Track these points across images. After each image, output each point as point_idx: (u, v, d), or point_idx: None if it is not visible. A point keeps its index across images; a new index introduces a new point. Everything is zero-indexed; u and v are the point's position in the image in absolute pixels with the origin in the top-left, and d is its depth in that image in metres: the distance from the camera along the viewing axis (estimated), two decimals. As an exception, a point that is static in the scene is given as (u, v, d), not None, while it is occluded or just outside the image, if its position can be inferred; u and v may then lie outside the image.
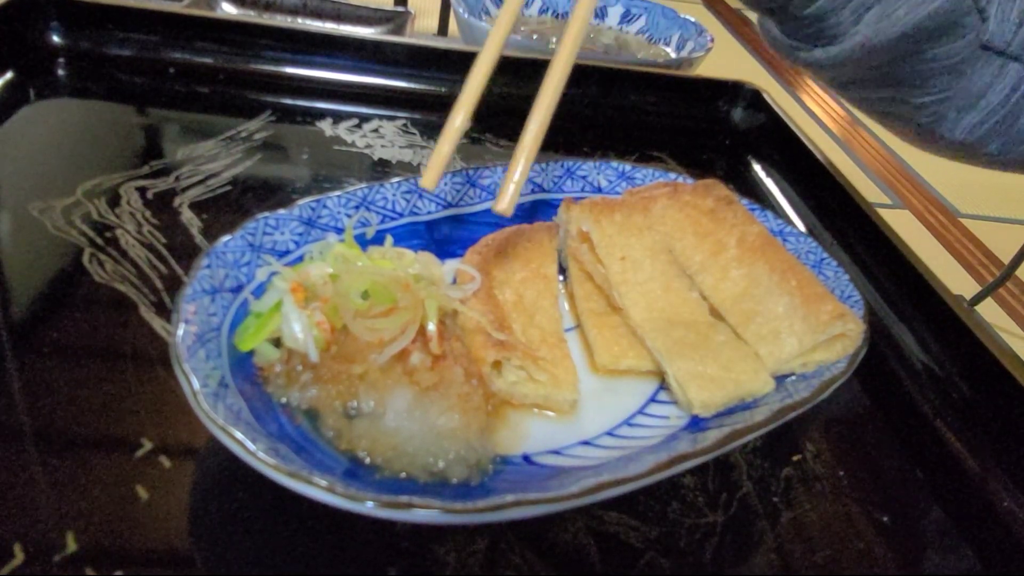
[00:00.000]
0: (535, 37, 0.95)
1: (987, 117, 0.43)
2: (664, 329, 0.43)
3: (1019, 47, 0.39)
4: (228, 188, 0.56)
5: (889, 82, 0.43)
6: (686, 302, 0.46)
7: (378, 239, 0.45)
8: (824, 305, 0.43)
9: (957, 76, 0.41)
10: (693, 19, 0.97)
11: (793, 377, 0.42)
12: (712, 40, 0.92)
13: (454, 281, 0.45)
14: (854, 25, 0.40)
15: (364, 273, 0.38)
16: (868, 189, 1.05)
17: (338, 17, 1.01)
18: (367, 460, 0.34)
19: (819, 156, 0.68)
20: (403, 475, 0.33)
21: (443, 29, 1.26)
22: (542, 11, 1.01)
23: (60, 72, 0.68)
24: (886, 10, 0.38)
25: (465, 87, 0.42)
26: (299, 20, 0.99)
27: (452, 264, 0.45)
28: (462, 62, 0.74)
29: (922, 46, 0.39)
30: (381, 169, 0.62)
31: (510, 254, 0.47)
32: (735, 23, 1.90)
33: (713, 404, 0.40)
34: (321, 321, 0.37)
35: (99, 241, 0.48)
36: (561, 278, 0.50)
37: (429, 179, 0.42)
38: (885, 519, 0.40)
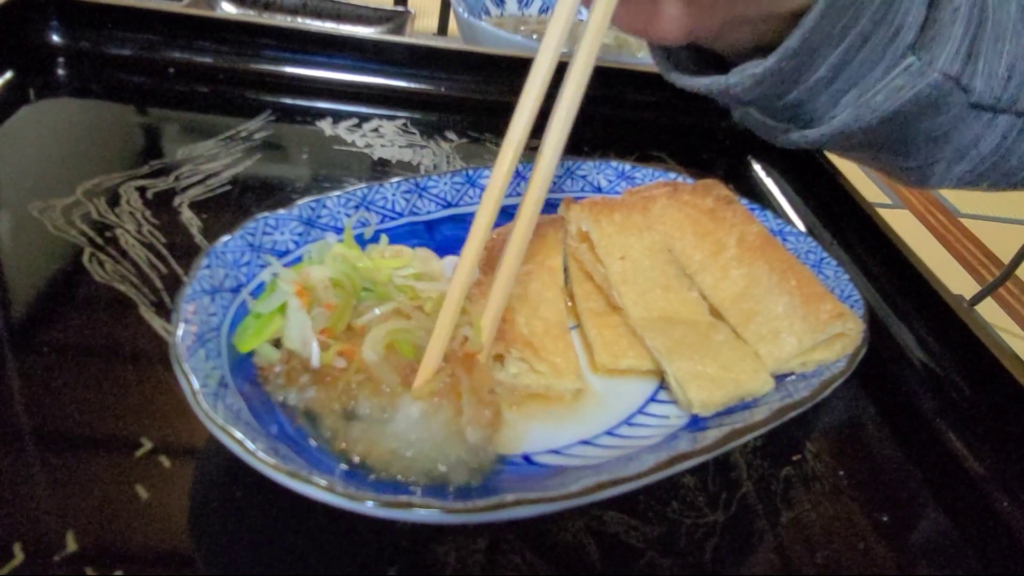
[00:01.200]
0: (535, 37, 0.95)
1: (977, 165, 0.42)
2: (664, 329, 0.43)
3: (1009, 101, 0.39)
4: (228, 188, 0.56)
5: (874, 151, 0.43)
6: (686, 302, 0.46)
7: (376, 238, 0.45)
8: (824, 304, 0.43)
9: (944, 143, 0.40)
10: (693, 19, 0.96)
11: (793, 376, 0.42)
12: (712, 40, 0.92)
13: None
14: (832, 109, 0.39)
15: (385, 326, 0.37)
16: (868, 189, 1.05)
17: (338, 17, 1.01)
18: (364, 463, 0.34)
19: (818, 155, 0.68)
20: (399, 478, 0.33)
21: (443, 29, 1.26)
22: (542, 11, 1.01)
23: (60, 72, 0.67)
24: (863, 95, 0.37)
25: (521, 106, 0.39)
26: (299, 20, 0.99)
27: (451, 260, 0.44)
28: (462, 62, 0.74)
29: (904, 126, 0.39)
30: (381, 169, 0.62)
31: None
32: (735, 23, 1.89)
33: (713, 404, 0.40)
34: (325, 342, 0.37)
35: (99, 241, 0.48)
36: (561, 278, 0.50)
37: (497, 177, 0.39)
38: (885, 519, 0.40)
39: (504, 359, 0.40)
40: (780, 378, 0.42)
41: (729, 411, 0.40)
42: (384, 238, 0.44)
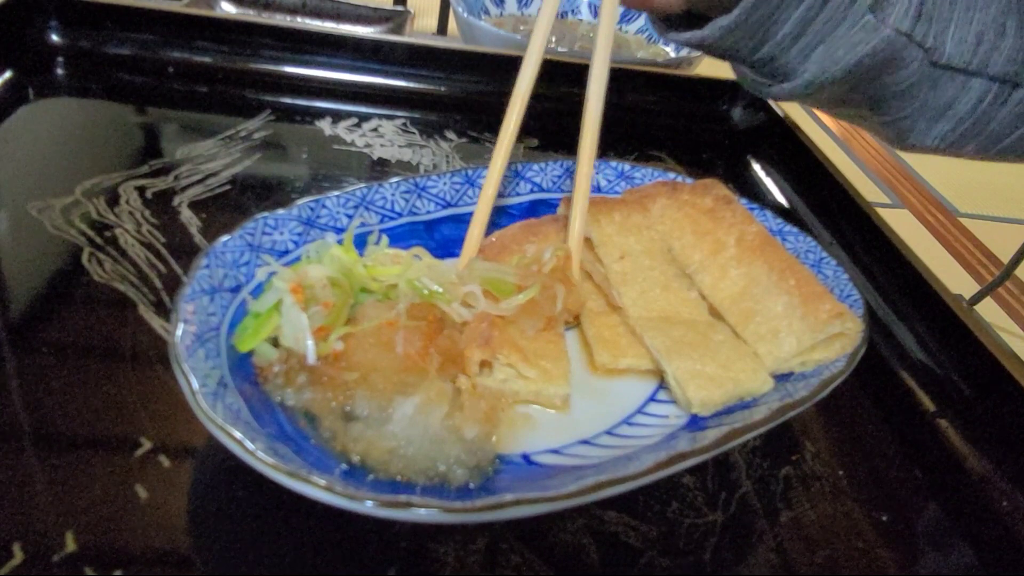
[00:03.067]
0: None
1: (957, 125, 0.45)
2: (663, 328, 0.43)
3: (979, 65, 0.43)
4: (227, 187, 0.56)
5: (850, 105, 0.47)
6: (685, 301, 0.46)
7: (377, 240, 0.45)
8: (823, 304, 0.43)
9: (911, 98, 0.44)
10: (693, 18, 0.97)
11: (792, 376, 0.42)
12: (712, 39, 0.92)
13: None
14: (803, 63, 0.43)
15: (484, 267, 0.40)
16: (867, 188, 1.05)
17: (337, 16, 1.01)
18: (363, 463, 0.34)
19: (818, 155, 0.68)
20: (398, 477, 0.33)
21: (442, 28, 1.26)
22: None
23: (59, 71, 0.67)
24: (828, 51, 0.42)
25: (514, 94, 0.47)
26: (298, 19, 0.99)
27: (452, 262, 0.45)
28: (461, 62, 0.74)
29: (868, 78, 0.43)
30: (380, 168, 0.62)
31: (515, 251, 0.47)
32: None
33: (712, 403, 0.40)
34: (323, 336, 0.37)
35: (98, 240, 0.48)
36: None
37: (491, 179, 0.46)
38: (885, 519, 0.40)
39: (491, 365, 0.40)
40: (780, 378, 0.42)
41: (728, 411, 0.40)
42: (385, 239, 0.44)
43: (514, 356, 0.39)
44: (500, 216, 0.52)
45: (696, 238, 0.49)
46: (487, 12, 0.98)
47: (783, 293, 0.44)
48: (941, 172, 1.14)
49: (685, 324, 0.44)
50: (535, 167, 0.54)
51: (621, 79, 0.76)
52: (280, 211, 0.43)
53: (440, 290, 0.40)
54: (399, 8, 1.04)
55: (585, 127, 0.47)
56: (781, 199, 0.70)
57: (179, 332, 0.33)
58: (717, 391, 0.40)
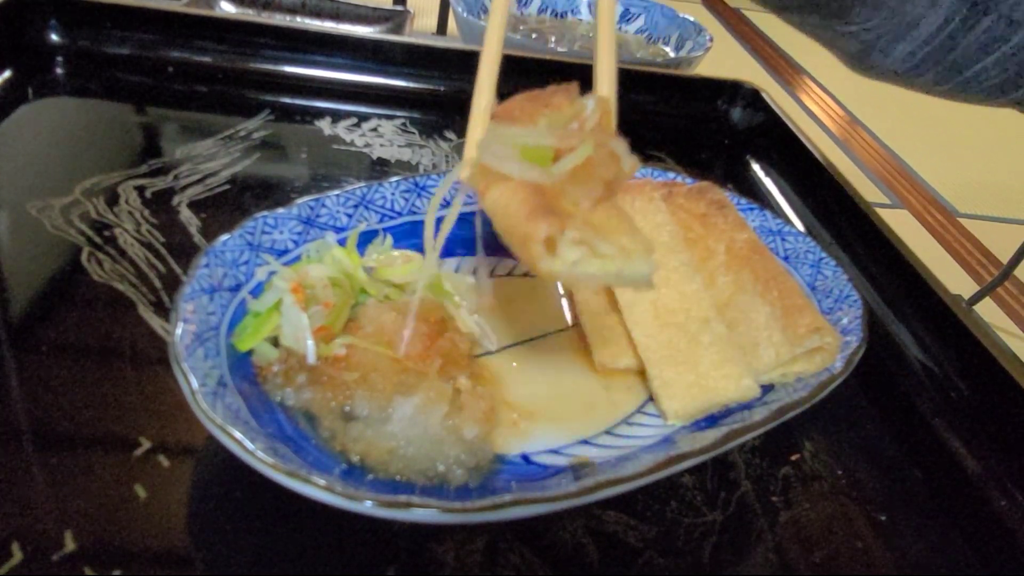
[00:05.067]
0: (534, 36, 0.95)
1: (920, 47, 0.43)
2: (653, 333, 0.43)
3: None
4: (227, 187, 0.56)
5: (814, 10, 0.44)
6: (683, 296, 0.45)
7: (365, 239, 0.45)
8: (802, 318, 0.42)
9: (878, 7, 0.42)
10: (692, 18, 0.97)
11: (774, 388, 0.42)
12: (711, 39, 0.92)
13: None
14: None
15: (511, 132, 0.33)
16: (867, 188, 1.05)
17: (337, 16, 1.01)
18: (362, 463, 0.34)
19: (818, 155, 0.68)
20: (398, 477, 0.33)
21: (442, 28, 1.26)
22: (541, 10, 1.01)
23: (58, 71, 0.67)
24: None
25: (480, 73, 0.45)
26: (298, 19, 0.99)
27: (452, 262, 0.44)
28: (461, 61, 0.74)
29: None
30: (380, 168, 0.62)
31: (528, 123, 0.39)
32: (734, 22, 1.89)
33: (686, 413, 0.39)
34: (325, 337, 0.37)
35: (97, 240, 0.48)
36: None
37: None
38: (884, 519, 0.40)
39: (555, 243, 0.31)
40: (764, 389, 0.42)
41: (728, 412, 0.40)
42: (389, 239, 0.44)
43: (586, 229, 0.31)
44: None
45: (687, 243, 0.48)
46: (487, 12, 0.98)
47: (766, 304, 0.43)
48: (941, 172, 1.14)
49: (676, 326, 0.43)
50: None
51: (621, 79, 0.76)
52: (280, 210, 0.43)
53: (455, 294, 0.40)
54: (399, 8, 1.04)
55: None
56: (780, 199, 0.70)
57: (179, 331, 0.33)
58: (692, 402, 0.39)
